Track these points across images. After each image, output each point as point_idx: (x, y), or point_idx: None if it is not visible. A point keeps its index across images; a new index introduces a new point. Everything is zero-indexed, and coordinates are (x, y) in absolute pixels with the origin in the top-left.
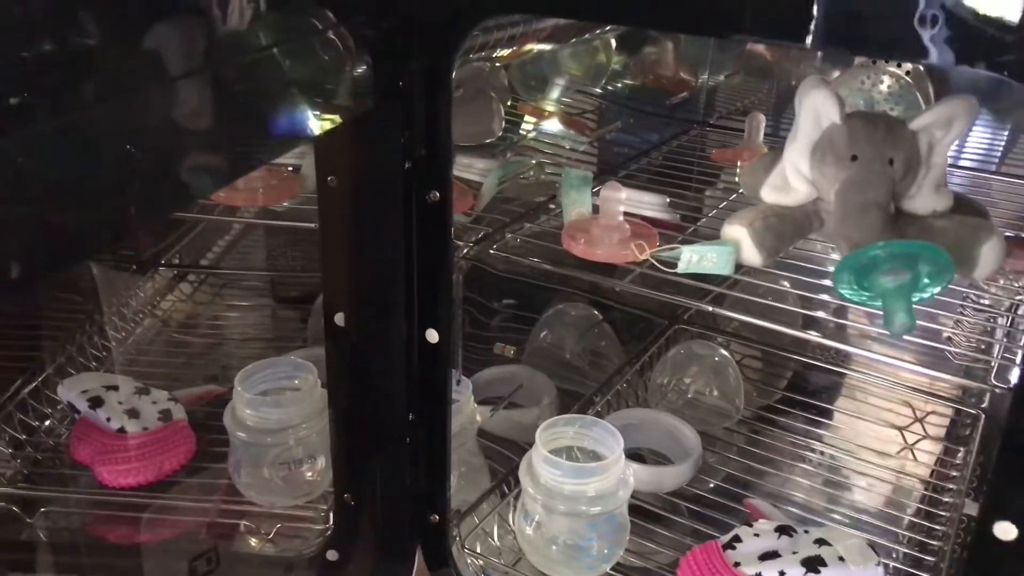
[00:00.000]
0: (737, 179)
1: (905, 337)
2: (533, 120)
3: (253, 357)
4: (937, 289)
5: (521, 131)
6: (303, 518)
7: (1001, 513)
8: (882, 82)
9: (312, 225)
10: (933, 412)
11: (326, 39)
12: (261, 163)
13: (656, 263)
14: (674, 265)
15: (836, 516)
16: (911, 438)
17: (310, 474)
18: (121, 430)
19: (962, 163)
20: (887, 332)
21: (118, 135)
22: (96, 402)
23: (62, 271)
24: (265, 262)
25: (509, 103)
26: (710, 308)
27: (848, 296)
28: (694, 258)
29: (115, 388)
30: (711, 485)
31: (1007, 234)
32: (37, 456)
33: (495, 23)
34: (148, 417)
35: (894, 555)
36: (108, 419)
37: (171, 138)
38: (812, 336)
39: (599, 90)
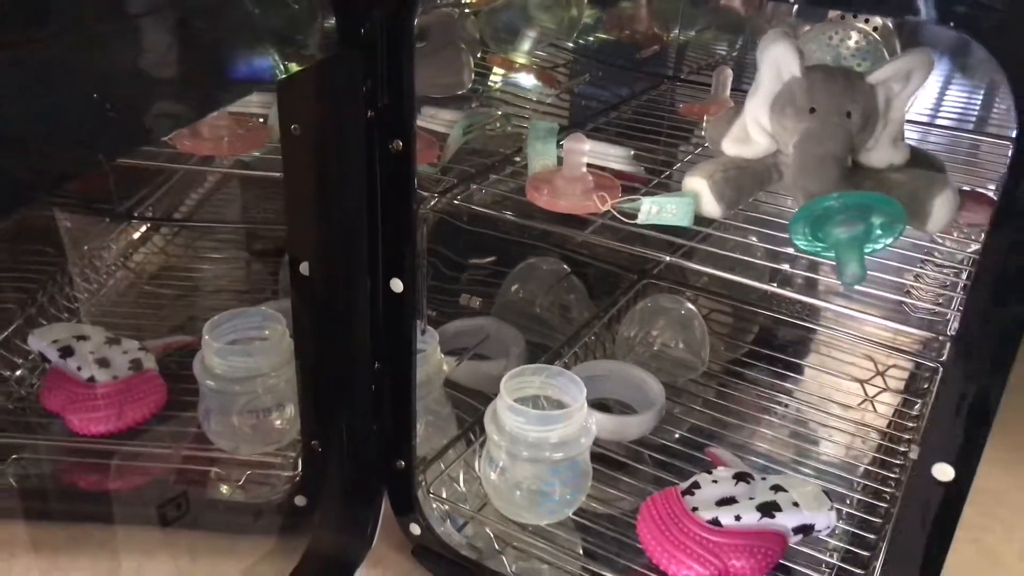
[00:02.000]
0: (703, 133)
1: (868, 292)
2: (502, 72)
3: (224, 309)
4: (889, 240)
5: (489, 83)
6: (272, 465)
7: (939, 455)
8: (850, 38)
9: (272, 174)
10: (894, 366)
11: None
12: (219, 106)
13: (617, 214)
14: (635, 216)
15: (797, 466)
16: (872, 391)
17: (279, 422)
18: (91, 379)
19: (940, 123)
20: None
21: (76, 73)
22: (67, 351)
23: (12, 213)
24: (239, 215)
25: (479, 55)
26: (678, 261)
27: (803, 247)
28: (654, 209)
29: (86, 338)
30: (676, 435)
31: (963, 188)
32: (8, 405)
33: None
34: (118, 366)
35: (848, 501)
36: (78, 368)
37: (128, 78)
38: (779, 291)
39: (571, 44)
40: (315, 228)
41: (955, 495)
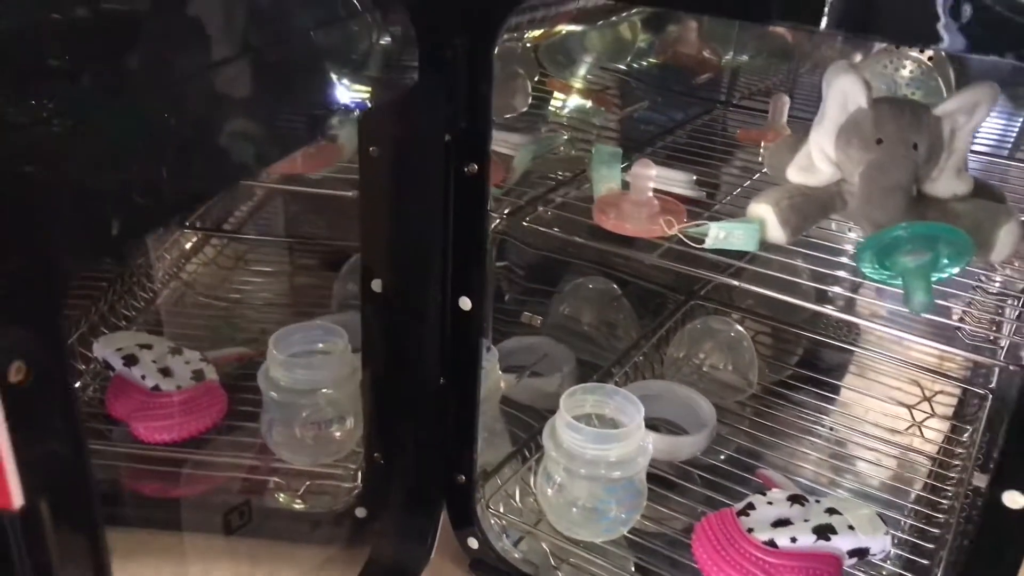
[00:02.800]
0: (761, 159)
1: (920, 317)
2: (562, 97)
3: (278, 322)
4: (956, 269)
5: (551, 107)
6: (332, 476)
7: (1010, 483)
8: (904, 67)
9: (342, 192)
10: (941, 391)
11: (376, 18)
12: (313, 139)
13: (684, 238)
14: (701, 241)
15: (844, 490)
16: (919, 416)
17: (339, 434)
18: (156, 388)
19: (976, 148)
20: (904, 310)
21: (178, 116)
22: (131, 360)
23: (140, 237)
24: (285, 228)
25: (536, 79)
26: (726, 280)
27: (869, 274)
28: (721, 234)
29: (148, 347)
30: (723, 456)
31: None
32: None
33: (534, 2)
34: (181, 376)
35: (901, 525)
36: (143, 376)
37: (227, 118)
38: (827, 310)
39: (623, 67)
40: (389, 247)
41: None
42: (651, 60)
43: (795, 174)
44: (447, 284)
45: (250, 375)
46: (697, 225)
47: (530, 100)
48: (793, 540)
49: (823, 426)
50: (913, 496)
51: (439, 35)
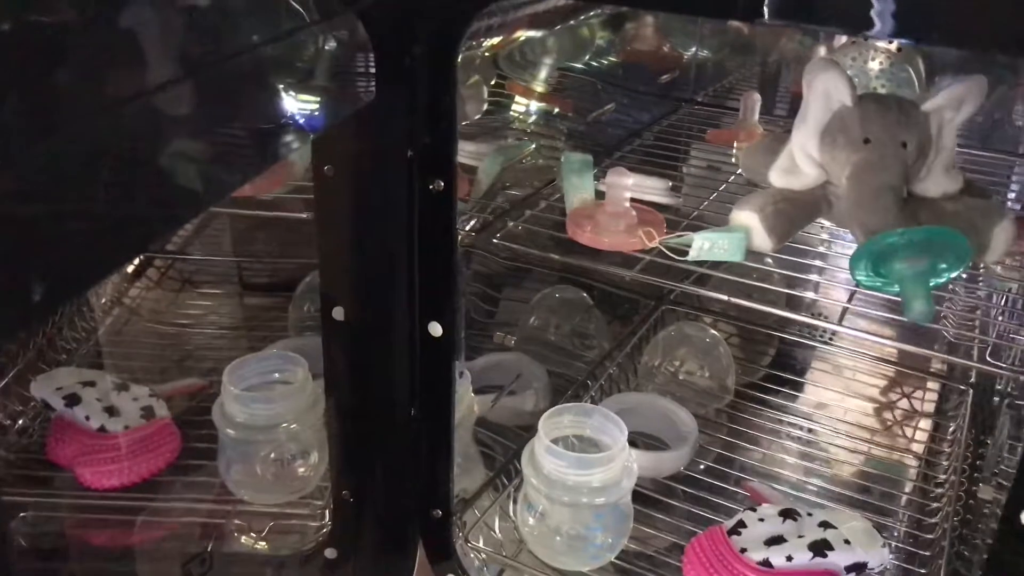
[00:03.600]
0: (733, 160)
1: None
2: (524, 101)
3: (230, 348)
4: (954, 274)
5: (512, 112)
6: (298, 515)
7: None
8: (873, 59)
9: (294, 214)
10: (919, 388)
11: (327, 28)
12: (264, 168)
13: (665, 250)
14: (684, 252)
15: (830, 496)
16: (899, 414)
17: (302, 470)
18: (101, 429)
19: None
20: (878, 311)
21: (113, 146)
22: (73, 399)
23: (83, 292)
24: (233, 246)
25: (493, 82)
26: (713, 294)
27: (864, 283)
28: (705, 245)
29: (92, 384)
30: (702, 466)
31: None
32: (10, 457)
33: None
34: (129, 414)
35: (894, 532)
36: (87, 417)
37: (168, 147)
38: (800, 317)
39: (583, 66)
40: (350, 272)
41: None
42: (611, 59)
43: (778, 177)
44: (415, 309)
45: (204, 408)
46: (679, 236)
47: (486, 106)
48: (789, 559)
49: (802, 428)
50: (903, 500)
51: (397, 45)
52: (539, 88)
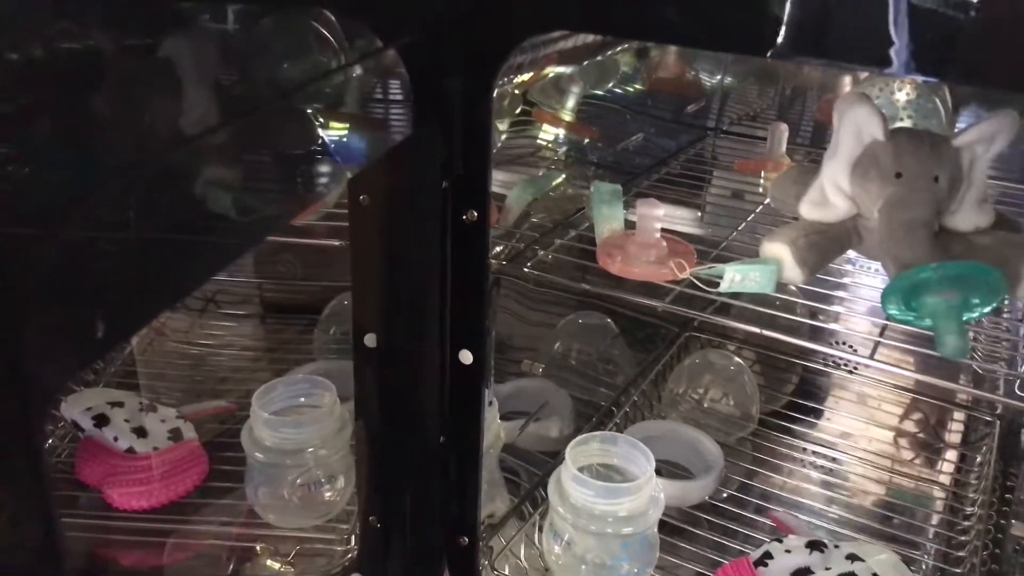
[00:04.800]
0: (761, 190)
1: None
2: (552, 130)
3: (255, 370)
4: (987, 309)
5: (539, 140)
6: (323, 540)
7: None
8: (899, 90)
9: (326, 242)
10: (945, 418)
11: (367, 66)
12: (308, 204)
13: (696, 281)
14: (715, 284)
15: (855, 526)
16: (924, 445)
17: (329, 494)
18: (130, 450)
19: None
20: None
21: (169, 188)
22: (101, 420)
23: (138, 329)
24: (254, 269)
25: (519, 111)
26: (735, 324)
27: (896, 317)
28: (736, 277)
29: (120, 404)
30: (725, 495)
31: None
32: None
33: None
34: (157, 436)
35: (921, 566)
36: (115, 438)
37: (218, 187)
38: (826, 350)
39: (606, 93)
40: (382, 299)
41: None
42: (637, 86)
43: (809, 210)
44: (446, 338)
45: (231, 430)
46: (709, 267)
47: (504, 136)
48: None
49: (826, 457)
50: (931, 532)
51: (435, 79)
52: (567, 117)
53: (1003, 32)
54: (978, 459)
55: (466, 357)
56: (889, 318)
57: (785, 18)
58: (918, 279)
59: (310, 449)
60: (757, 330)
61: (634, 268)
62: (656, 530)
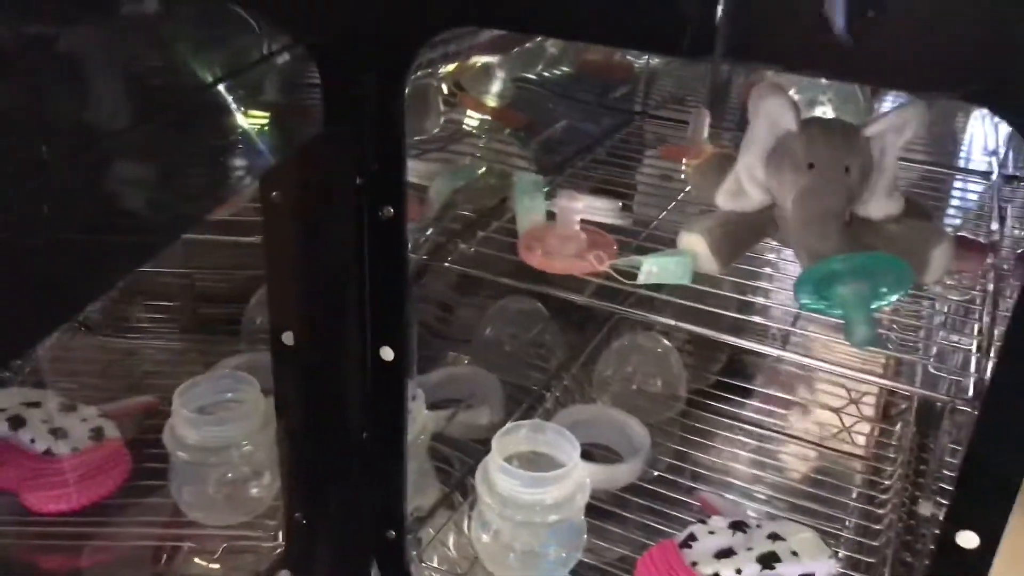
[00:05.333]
0: (683, 176)
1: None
2: (476, 115)
3: (182, 362)
4: (895, 297)
5: (464, 126)
6: (251, 537)
7: (964, 523)
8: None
9: (241, 238)
10: (868, 392)
11: (277, 62)
12: (219, 204)
13: (615, 274)
14: (633, 276)
15: (781, 502)
16: (847, 420)
17: (256, 490)
18: (48, 452)
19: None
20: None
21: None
22: (16, 422)
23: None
24: (183, 258)
25: (447, 92)
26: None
27: (809, 306)
28: (654, 269)
29: (36, 405)
30: (654, 475)
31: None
32: None
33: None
34: (77, 436)
35: (841, 540)
36: (32, 440)
37: (125, 188)
38: (747, 344)
39: (535, 76)
40: (299, 298)
41: (980, 561)
42: (564, 68)
43: (725, 200)
44: (366, 334)
45: (157, 427)
46: (628, 260)
47: (442, 120)
48: (738, 572)
49: (752, 436)
50: (850, 507)
51: (345, 75)
52: (491, 103)
53: (901, 35)
54: (896, 433)
55: (387, 354)
56: (802, 307)
57: (699, 19)
58: (829, 270)
59: (235, 446)
60: (673, 323)
61: (554, 262)
62: (583, 516)
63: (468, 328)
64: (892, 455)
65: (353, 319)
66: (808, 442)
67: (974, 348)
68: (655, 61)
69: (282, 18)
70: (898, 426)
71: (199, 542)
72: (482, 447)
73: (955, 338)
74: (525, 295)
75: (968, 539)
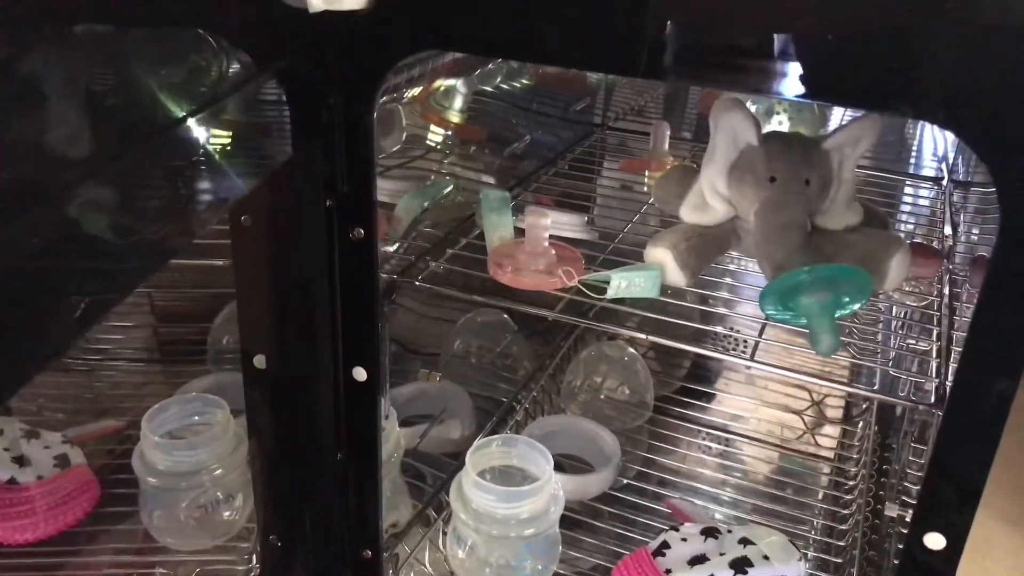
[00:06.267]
0: (646, 188)
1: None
2: (439, 131)
3: (147, 383)
4: (857, 306)
5: (428, 141)
6: (224, 560)
7: (931, 525)
8: None
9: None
10: (829, 395)
11: (245, 92)
12: (185, 245)
13: (584, 289)
14: (602, 291)
15: (747, 506)
16: (810, 422)
17: (228, 513)
18: (12, 481)
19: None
20: (812, 350)
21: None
22: None
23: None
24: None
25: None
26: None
27: (773, 316)
28: (623, 284)
29: None
30: (623, 483)
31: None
32: None
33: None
34: (42, 464)
35: (810, 541)
36: None
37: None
38: (712, 354)
39: (493, 89)
40: (270, 321)
41: (946, 561)
42: (524, 81)
43: (688, 213)
44: (338, 355)
45: (125, 451)
46: (597, 275)
47: (404, 135)
48: None
49: (719, 441)
50: (816, 508)
51: (313, 101)
52: (454, 119)
53: (844, 53)
54: (858, 434)
55: (360, 374)
56: (768, 317)
57: (652, 41)
58: (793, 282)
59: (205, 470)
60: (642, 336)
61: (524, 278)
62: (557, 528)
63: (436, 342)
64: (855, 455)
65: (325, 342)
66: (773, 445)
67: (934, 353)
68: (611, 76)
69: (249, 45)
70: (859, 427)
71: (171, 569)
72: (454, 461)
73: (912, 342)
74: (492, 308)
75: (935, 540)
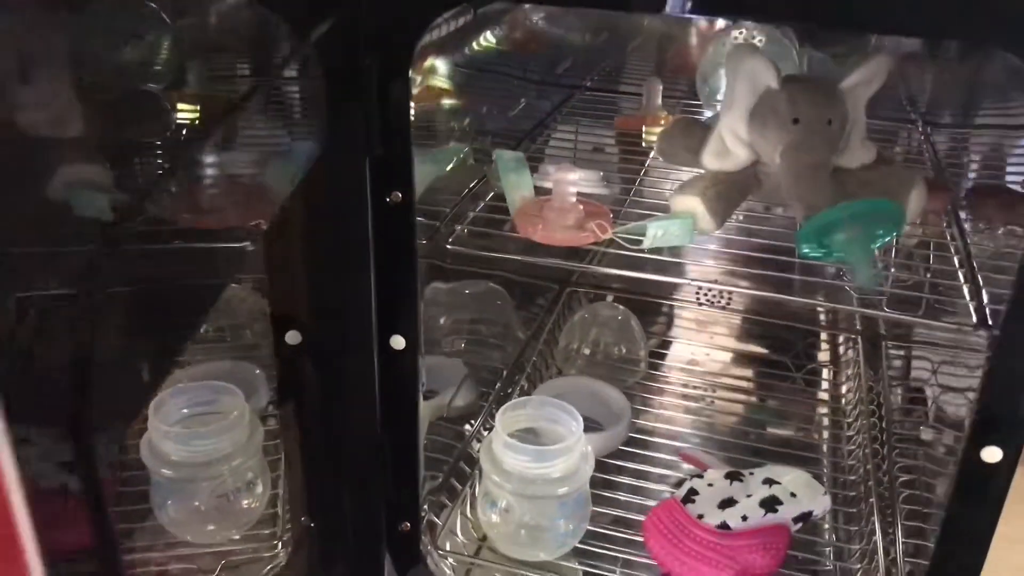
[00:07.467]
0: (644, 144)
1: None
2: (433, 100)
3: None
4: (889, 238)
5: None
6: (248, 549)
7: (988, 440)
8: (754, 37)
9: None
10: (815, 342)
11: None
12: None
13: (620, 241)
14: (637, 242)
15: (756, 452)
16: (801, 366)
17: (247, 501)
18: None
19: None
20: (853, 283)
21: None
22: None
23: None
24: None
25: None
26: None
27: (809, 255)
28: (659, 233)
29: None
30: (627, 438)
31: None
32: None
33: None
34: None
35: (823, 480)
36: None
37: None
38: (695, 280)
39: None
40: (304, 294)
41: (1004, 474)
42: (500, 47)
43: (711, 160)
44: (374, 325)
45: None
46: (631, 226)
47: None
48: (744, 518)
49: (714, 390)
50: (824, 448)
51: (349, 64)
52: (442, 84)
53: None
54: (848, 374)
55: (398, 342)
56: (802, 256)
57: None
58: (831, 219)
59: (225, 459)
60: (633, 274)
61: (556, 234)
62: (588, 486)
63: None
64: (850, 395)
65: (362, 309)
66: (767, 393)
67: (961, 278)
68: (585, 37)
69: (288, 15)
70: (850, 369)
71: (193, 562)
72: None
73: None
74: (481, 278)
75: (992, 454)
